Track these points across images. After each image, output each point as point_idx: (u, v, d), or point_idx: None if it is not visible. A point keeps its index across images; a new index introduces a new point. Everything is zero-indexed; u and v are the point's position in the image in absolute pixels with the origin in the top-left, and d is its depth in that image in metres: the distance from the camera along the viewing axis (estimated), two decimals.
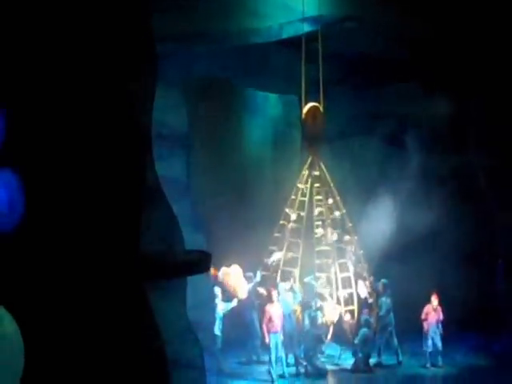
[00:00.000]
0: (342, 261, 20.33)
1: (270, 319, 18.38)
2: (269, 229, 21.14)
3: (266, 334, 18.39)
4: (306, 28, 19.84)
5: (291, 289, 19.60)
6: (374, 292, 19.97)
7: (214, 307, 19.11)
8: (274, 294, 18.84)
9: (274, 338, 18.33)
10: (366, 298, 19.84)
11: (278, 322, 18.40)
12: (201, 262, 12.01)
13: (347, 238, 20.52)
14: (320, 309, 19.25)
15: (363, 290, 19.92)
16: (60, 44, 9.62)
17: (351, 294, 20.13)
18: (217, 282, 19.26)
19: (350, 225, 20.71)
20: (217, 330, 18.92)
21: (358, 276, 20.18)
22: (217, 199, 23.70)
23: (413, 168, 22.57)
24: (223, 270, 19.25)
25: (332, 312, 19.69)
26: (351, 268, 20.27)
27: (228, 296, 19.26)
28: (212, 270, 18.76)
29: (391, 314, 19.74)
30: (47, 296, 9.29)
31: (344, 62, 22.59)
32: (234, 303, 19.16)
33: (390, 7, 20.25)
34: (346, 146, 23.82)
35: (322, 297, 19.70)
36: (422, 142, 22.98)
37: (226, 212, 23.40)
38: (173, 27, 17.97)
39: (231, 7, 19.06)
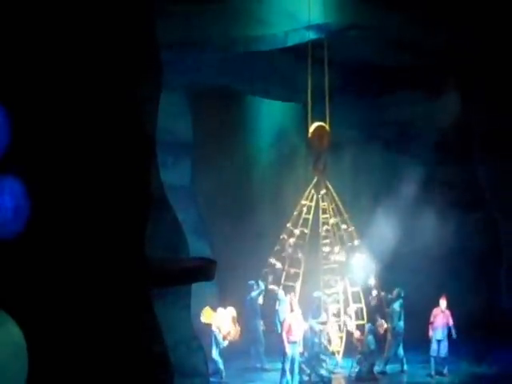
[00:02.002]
0: (350, 276, 20.30)
1: (289, 328, 18.22)
2: (273, 236, 21.13)
3: (286, 344, 18.16)
4: (312, 36, 19.84)
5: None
6: (385, 305, 19.91)
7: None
8: (295, 302, 18.73)
9: (292, 349, 18.13)
10: (375, 313, 19.80)
11: (297, 332, 18.20)
12: (205, 270, 12.01)
13: (356, 254, 20.48)
14: (324, 322, 19.26)
15: (373, 304, 19.92)
16: (64, 51, 9.63)
17: (361, 309, 20.11)
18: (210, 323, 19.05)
19: (358, 241, 20.62)
20: (213, 345, 18.84)
21: (367, 291, 20.15)
22: (221, 206, 23.69)
23: (417, 176, 22.55)
24: (219, 310, 19.08)
25: (336, 329, 19.73)
26: (360, 283, 20.24)
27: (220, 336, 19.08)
28: (205, 315, 18.66)
29: (401, 323, 19.68)
30: (52, 302, 9.28)
31: (348, 70, 22.60)
32: (226, 344, 18.97)
33: (395, 16, 20.27)
34: (350, 153, 23.79)
35: (327, 312, 19.71)
36: (426, 150, 22.98)
37: (231, 219, 23.38)
38: (178, 34, 17.97)
39: (236, 14, 19.05)
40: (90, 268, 9.47)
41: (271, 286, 20.40)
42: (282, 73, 22.76)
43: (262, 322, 20.15)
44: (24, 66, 9.41)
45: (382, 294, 20.00)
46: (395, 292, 19.79)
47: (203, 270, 11.97)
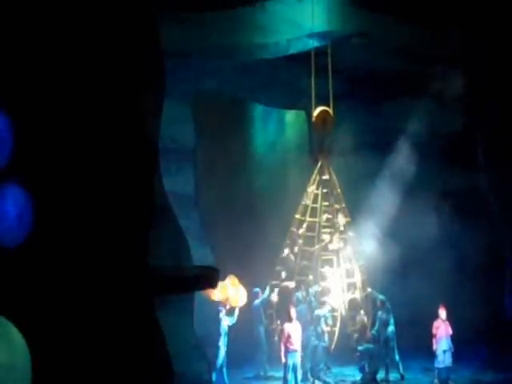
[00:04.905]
0: (346, 268, 20.26)
1: (288, 338, 18.07)
2: (277, 243, 21.09)
3: (283, 354, 17.99)
4: (315, 44, 19.88)
5: (307, 299, 19.53)
6: (370, 304, 19.93)
7: (219, 322, 18.89)
8: (293, 312, 18.62)
9: (292, 358, 17.98)
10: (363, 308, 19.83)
11: (296, 341, 18.04)
12: (208, 278, 11.99)
13: (348, 248, 20.42)
14: (323, 320, 19.17)
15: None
16: (67, 58, 9.65)
17: (354, 300, 20.04)
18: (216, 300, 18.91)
19: (352, 234, 20.59)
20: (222, 345, 18.71)
21: (355, 287, 20.15)
22: (224, 213, 23.70)
23: (419, 183, 22.55)
24: (219, 284, 18.92)
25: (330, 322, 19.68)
26: (356, 276, 20.24)
27: (230, 309, 18.97)
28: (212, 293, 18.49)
29: (390, 329, 19.57)
30: (55, 310, 9.29)
31: (351, 78, 22.64)
32: (237, 313, 18.90)
33: (397, 24, 20.32)
34: (354, 160, 23.79)
35: (323, 305, 19.62)
36: (428, 157, 22.98)
37: (234, 226, 23.39)
38: (181, 42, 18.02)
39: (240, 22, 19.11)
40: (93, 275, 9.47)
41: (285, 283, 20.29)
42: (285, 80, 22.80)
43: (264, 329, 20.11)
44: (27, 73, 9.43)
45: (368, 291, 19.97)
46: (378, 301, 19.75)
47: (206, 278, 11.95)
